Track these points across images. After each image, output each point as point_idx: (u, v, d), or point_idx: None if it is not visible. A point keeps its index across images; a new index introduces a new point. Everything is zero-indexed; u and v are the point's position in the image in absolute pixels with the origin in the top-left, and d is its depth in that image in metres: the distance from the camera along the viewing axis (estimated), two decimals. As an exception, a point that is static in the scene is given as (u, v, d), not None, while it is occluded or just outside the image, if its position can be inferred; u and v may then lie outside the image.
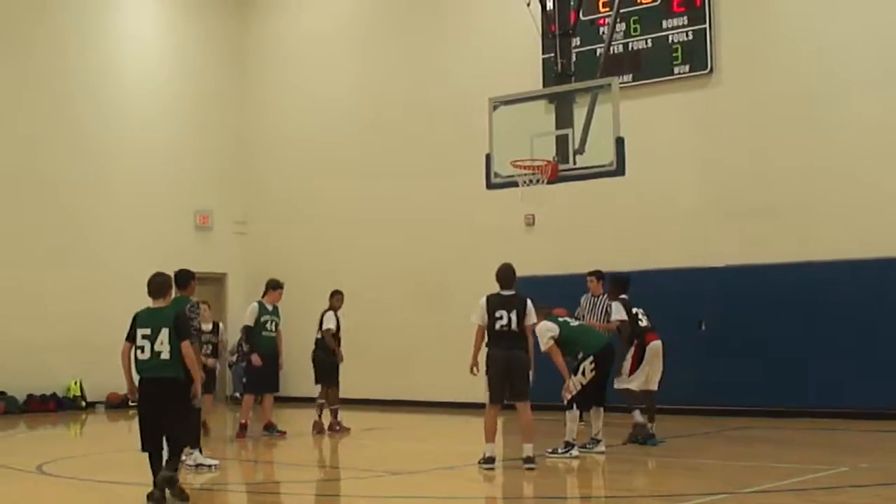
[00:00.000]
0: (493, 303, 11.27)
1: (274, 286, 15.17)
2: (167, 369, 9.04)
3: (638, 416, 13.02)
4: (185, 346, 9.11)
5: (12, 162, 20.31)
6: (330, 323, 15.44)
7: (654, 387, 13.16)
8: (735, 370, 16.65)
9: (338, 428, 15.51)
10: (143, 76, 22.47)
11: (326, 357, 15.48)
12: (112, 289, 20.36)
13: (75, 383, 20.53)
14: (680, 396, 16.07)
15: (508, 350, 11.15)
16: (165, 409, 9.06)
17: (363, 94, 22.02)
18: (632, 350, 13.09)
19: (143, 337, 9.10)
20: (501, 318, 11.19)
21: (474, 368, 11.31)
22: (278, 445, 14.40)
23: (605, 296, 14.34)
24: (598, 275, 14.78)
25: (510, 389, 11.22)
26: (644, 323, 13.15)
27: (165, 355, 9.03)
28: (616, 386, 12.96)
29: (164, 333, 9.05)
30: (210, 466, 11.40)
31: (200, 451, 11.46)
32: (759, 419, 15.99)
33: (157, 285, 9.39)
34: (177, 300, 11.24)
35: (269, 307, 15.02)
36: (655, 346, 13.07)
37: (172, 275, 10.38)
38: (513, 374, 11.17)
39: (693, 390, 16.66)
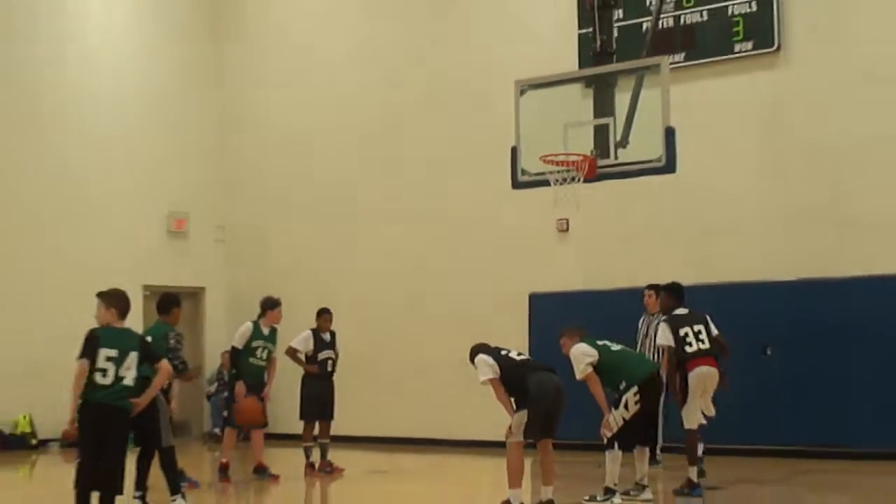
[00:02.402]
0: (494, 351, 11.63)
1: (271, 306, 15.21)
2: (125, 398, 9.59)
3: (693, 474, 12.71)
4: (163, 364, 9.88)
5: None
6: (300, 343, 15.60)
7: (709, 412, 13.03)
8: (806, 404, 16.54)
9: (329, 469, 15.63)
10: (107, 56, 22.44)
11: (315, 386, 15.61)
12: (68, 307, 20.35)
13: (24, 418, 20.58)
14: (740, 435, 16.08)
15: (554, 375, 11.40)
16: (110, 443, 9.59)
17: (369, 77, 21.99)
18: (678, 380, 12.98)
19: (108, 359, 9.48)
20: (520, 353, 11.80)
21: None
22: (269, 492, 14.45)
23: (661, 313, 14.51)
24: (656, 289, 14.99)
25: (552, 424, 11.37)
26: (692, 347, 12.90)
27: (129, 381, 9.54)
28: (686, 425, 12.86)
29: (132, 358, 9.57)
30: None
31: (184, 498, 11.67)
32: (835, 462, 15.87)
33: (126, 302, 9.92)
34: (157, 327, 11.72)
35: (265, 331, 15.10)
36: (698, 373, 12.83)
37: (157, 298, 12.03)
38: (560, 407, 11.34)
39: (756, 428, 16.62)
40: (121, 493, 9.82)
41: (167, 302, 12.37)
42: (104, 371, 9.52)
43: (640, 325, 15.45)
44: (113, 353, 9.54)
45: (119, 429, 9.68)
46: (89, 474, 9.67)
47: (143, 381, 10.02)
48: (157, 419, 11.40)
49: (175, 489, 11.65)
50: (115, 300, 9.92)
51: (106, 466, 9.61)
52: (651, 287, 15.48)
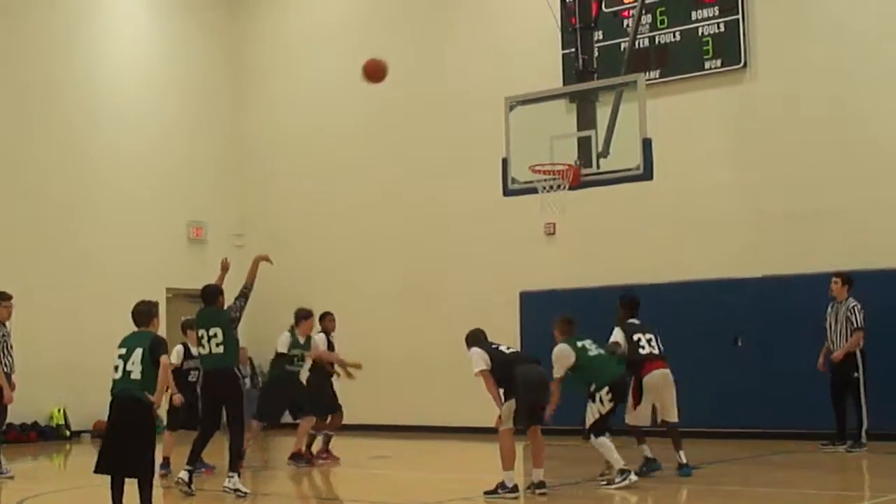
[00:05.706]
0: (487, 345, 11.58)
1: (305, 316, 14.89)
2: (135, 389, 9.52)
3: (647, 451, 12.73)
4: (162, 359, 9.58)
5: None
6: (322, 346, 15.30)
7: (670, 418, 12.75)
8: (775, 389, 16.55)
9: (325, 457, 15.27)
10: (129, 74, 22.37)
11: (326, 383, 15.46)
12: (98, 308, 20.37)
13: (59, 411, 20.45)
14: (715, 419, 16.10)
15: (538, 366, 11.36)
16: (127, 431, 9.53)
17: (369, 95, 21.82)
18: (632, 382, 12.75)
19: (119, 357, 9.62)
20: (509, 347, 11.84)
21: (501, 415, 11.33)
22: (293, 476, 14.37)
23: (850, 299, 14.82)
24: (843, 276, 15.01)
25: (538, 412, 11.36)
26: (645, 350, 12.67)
27: (136, 375, 9.51)
28: (626, 420, 12.80)
29: (138, 354, 9.53)
30: (245, 494, 11.85)
31: (239, 476, 11.94)
32: (802, 442, 15.79)
33: (134, 313, 9.97)
34: (218, 312, 12.32)
35: (301, 339, 14.82)
36: (652, 377, 12.61)
37: (201, 292, 12.44)
38: (544, 395, 11.38)
39: (729, 412, 16.74)
40: (134, 476, 9.64)
41: (212, 293, 12.60)
42: (115, 367, 9.61)
43: (828, 313, 15.13)
44: (122, 350, 9.63)
45: (130, 418, 9.55)
46: (104, 459, 9.59)
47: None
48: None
49: (232, 467, 11.94)
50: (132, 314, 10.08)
51: (121, 452, 9.49)
52: (838, 275, 15.15)
